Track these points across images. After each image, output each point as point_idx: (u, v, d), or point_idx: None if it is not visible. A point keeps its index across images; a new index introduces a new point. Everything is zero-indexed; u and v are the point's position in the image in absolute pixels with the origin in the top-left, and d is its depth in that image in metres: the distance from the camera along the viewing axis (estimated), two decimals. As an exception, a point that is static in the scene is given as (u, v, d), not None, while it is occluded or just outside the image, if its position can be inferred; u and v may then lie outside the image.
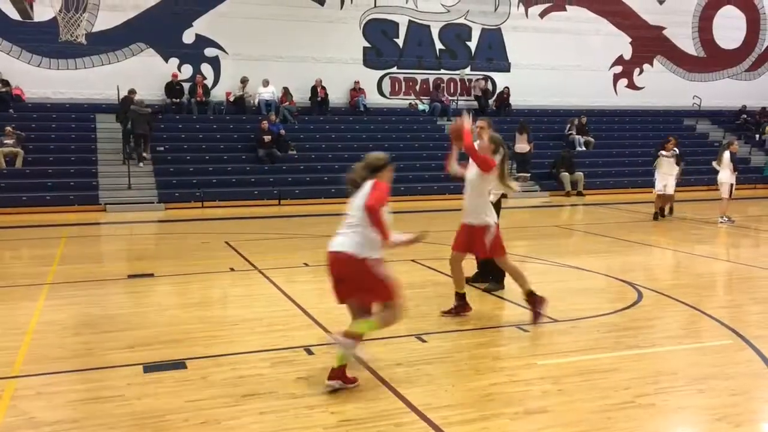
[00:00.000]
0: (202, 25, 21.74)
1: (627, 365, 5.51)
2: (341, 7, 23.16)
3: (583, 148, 23.24)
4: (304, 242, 12.36)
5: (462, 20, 24.64)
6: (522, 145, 20.76)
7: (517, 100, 24.44)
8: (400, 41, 23.99)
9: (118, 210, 16.46)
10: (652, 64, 27.24)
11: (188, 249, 11.42)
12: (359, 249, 4.96)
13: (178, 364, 5.49)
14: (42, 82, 20.29)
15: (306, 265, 9.78)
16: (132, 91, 19.56)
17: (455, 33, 24.59)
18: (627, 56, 26.90)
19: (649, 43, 26.97)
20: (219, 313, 7.25)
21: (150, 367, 5.43)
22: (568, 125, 23.76)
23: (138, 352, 5.81)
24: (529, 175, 20.82)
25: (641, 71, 27.13)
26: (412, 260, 9.90)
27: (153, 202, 17.17)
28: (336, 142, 20.92)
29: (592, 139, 23.57)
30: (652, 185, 15.25)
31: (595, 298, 7.89)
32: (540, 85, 24.83)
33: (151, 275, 9.04)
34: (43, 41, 20.18)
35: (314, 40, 22.55)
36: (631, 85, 27.01)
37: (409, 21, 24.00)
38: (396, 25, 23.87)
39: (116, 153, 18.61)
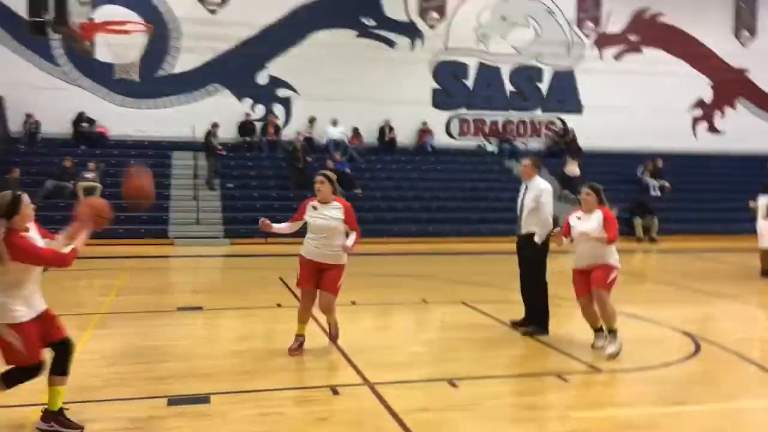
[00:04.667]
0: (275, 67, 22.37)
1: (669, 422, 5.15)
2: (411, 49, 23.41)
3: (657, 193, 22.45)
4: (356, 281, 12.27)
5: (533, 62, 24.47)
6: (572, 168, 21.31)
7: (588, 142, 23.89)
8: (469, 83, 23.99)
9: (185, 244, 16.91)
10: (734, 107, 26.26)
11: (242, 284, 11.56)
12: None
13: (203, 398, 5.47)
14: (124, 120, 21.23)
15: (353, 303, 9.70)
16: (215, 125, 20.34)
17: (526, 75, 24.42)
18: (707, 99, 26.05)
19: (731, 86, 26.05)
20: (256, 348, 7.21)
21: (174, 400, 5.44)
22: (641, 168, 23.04)
23: (168, 384, 5.85)
24: (573, 196, 20.44)
25: (723, 114, 26.19)
26: (462, 302, 9.69)
27: (219, 237, 17.55)
28: (401, 182, 20.96)
29: (667, 183, 22.76)
30: (736, 232, 14.13)
31: (648, 349, 7.47)
32: (612, 127, 24.22)
33: (200, 308, 9.17)
34: (126, 82, 21.18)
35: (384, 81, 22.81)
36: (712, 128, 26.07)
37: (480, 63, 24.00)
38: (466, 66, 23.92)
39: (188, 189, 19.16)
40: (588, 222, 7.08)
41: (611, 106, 24.39)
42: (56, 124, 20.55)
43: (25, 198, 4.62)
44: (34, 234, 4.69)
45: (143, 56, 21.42)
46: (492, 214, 19.65)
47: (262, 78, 22.37)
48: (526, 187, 8.02)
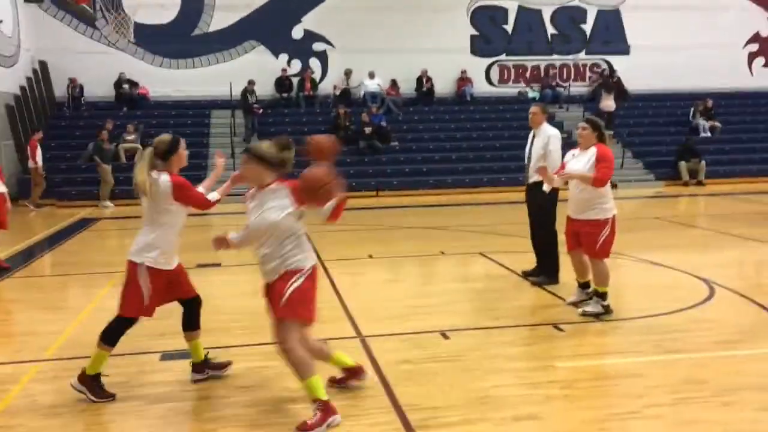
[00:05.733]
0: (310, 21, 22.25)
1: (655, 372, 5.04)
2: (448, -5, 22.89)
3: (708, 134, 21.59)
4: (379, 234, 12.35)
5: (576, 2, 23.59)
6: (608, 102, 20.91)
7: (637, 84, 23.04)
8: (509, 27, 23.36)
9: (221, 201, 17.14)
10: (794, 40, 24.85)
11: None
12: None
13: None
14: (164, 81, 21.56)
15: (370, 257, 9.75)
16: (251, 82, 20.42)
17: (569, 16, 23.59)
18: (765, 32, 24.68)
19: (791, 17, 24.60)
20: (259, 304, 7.32)
21: (167, 356, 5.62)
22: (692, 110, 22.13)
23: (166, 340, 6.01)
24: (611, 132, 20.01)
25: (782, 48, 24.83)
26: (480, 253, 9.62)
27: (255, 194, 17.75)
28: (439, 133, 20.73)
29: (718, 124, 21.84)
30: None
31: (657, 297, 7.28)
32: (663, 67, 23.25)
33: (219, 265, 9.35)
34: (164, 43, 21.41)
35: (421, 30, 22.40)
36: (770, 64, 24.79)
37: (519, 6, 23.29)
38: (505, 11, 23.27)
39: (226, 147, 19.38)
40: (579, 161, 6.39)
41: (661, 46, 23.38)
42: (99, 87, 21.05)
43: (182, 142, 4.86)
44: None
45: (178, 17, 21.57)
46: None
47: (297, 32, 22.30)
48: (534, 135, 7.83)
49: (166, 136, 4.81)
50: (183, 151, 4.84)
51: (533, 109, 7.87)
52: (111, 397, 4.75)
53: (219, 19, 21.82)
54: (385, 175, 18.89)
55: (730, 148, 20.94)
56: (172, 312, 5.34)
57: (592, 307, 6.41)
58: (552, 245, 7.79)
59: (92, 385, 4.73)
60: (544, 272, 7.81)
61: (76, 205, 16.67)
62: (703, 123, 21.75)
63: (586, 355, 5.51)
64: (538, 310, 6.87)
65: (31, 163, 16.54)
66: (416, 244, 10.84)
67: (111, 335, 4.82)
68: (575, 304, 6.70)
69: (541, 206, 7.71)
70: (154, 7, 21.25)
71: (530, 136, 7.93)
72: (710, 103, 22.08)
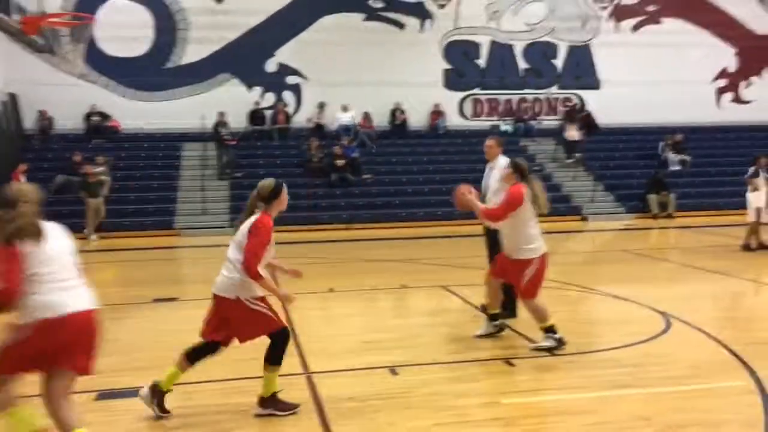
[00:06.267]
0: (284, 54, 22.31)
1: (603, 408, 4.94)
2: (421, 30, 23.10)
3: (678, 168, 21.81)
4: (343, 267, 12.23)
5: (547, 38, 23.93)
6: (571, 132, 21.68)
7: (608, 118, 23.30)
8: (482, 62, 23.59)
9: (190, 235, 17.03)
10: (761, 76, 25.30)
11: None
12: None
13: (132, 392, 5.42)
14: (136, 114, 21.41)
15: (331, 290, 9.61)
16: (222, 114, 20.34)
17: (540, 51, 23.90)
18: (732, 68, 25.14)
19: (758, 54, 25.07)
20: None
21: (103, 395, 5.43)
22: (662, 144, 22.37)
23: (104, 378, 5.72)
24: (573, 160, 21.44)
25: (749, 84, 25.26)
26: (443, 286, 9.53)
27: (225, 227, 17.60)
28: (412, 166, 20.76)
29: (687, 158, 22.08)
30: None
31: (615, 330, 7.22)
32: (633, 101, 23.49)
33: (175, 299, 9.18)
34: (136, 75, 21.35)
35: (394, 64, 22.52)
36: (737, 99, 25.18)
37: (491, 41, 23.56)
38: (477, 45, 23.51)
39: (196, 180, 19.25)
40: (498, 197, 6.58)
41: (630, 80, 23.64)
42: (69, 119, 20.87)
43: (284, 187, 4.99)
44: None
45: (151, 49, 21.58)
46: (502, 195, 19.31)
47: (271, 65, 22.35)
48: (491, 167, 7.81)
49: (270, 181, 4.97)
50: (285, 196, 5.00)
51: (488, 142, 7.89)
52: (296, 407, 4.95)
53: (192, 51, 21.82)
54: (356, 208, 18.82)
55: (699, 182, 21.15)
56: (103, 350, 5.17)
57: (544, 342, 6.32)
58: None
59: (275, 402, 4.91)
60: (502, 306, 7.71)
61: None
62: (672, 156, 21.98)
63: (533, 390, 5.41)
64: (491, 345, 6.75)
65: None
66: (380, 278, 10.73)
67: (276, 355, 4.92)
68: (482, 336, 6.76)
69: (498, 239, 7.63)
70: (127, 40, 21.20)
71: (487, 168, 7.91)
72: (679, 137, 22.33)
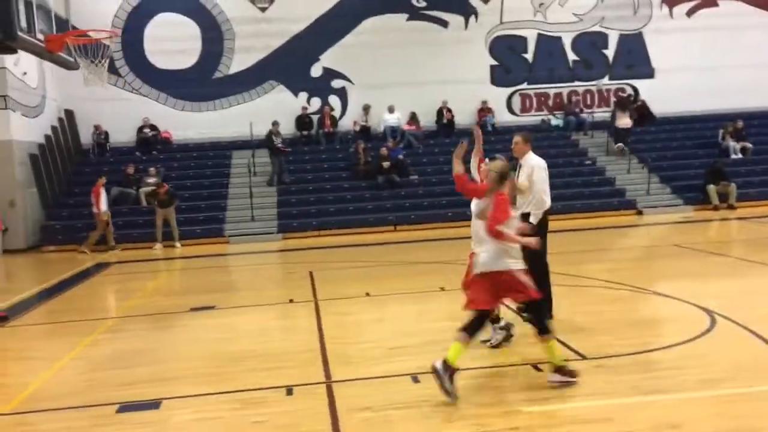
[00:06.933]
0: (328, 59, 22.38)
1: (627, 416, 4.69)
2: (466, 27, 22.82)
3: (739, 156, 20.89)
4: (382, 270, 12.11)
5: (597, 28, 23.29)
6: (623, 120, 21.08)
7: (663, 107, 22.53)
8: (529, 56, 23.13)
9: (239, 242, 17.21)
10: (827, 56, 24.01)
11: (267, 280, 11.59)
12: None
13: (153, 405, 5.46)
14: (186, 124, 21.86)
15: (368, 294, 9.51)
16: (275, 123, 20.47)
17: (590, 42, 23.28)
18: (796, 48, 23.94)
19: (823, 32, 23.80)
20: (238, 349, 7.11)
21: (125, 407, 5.46)
22: (721, 131, 21.47)
23: (130, 390, 5.86)
24: (622, 145, 20.92)
25: (814, 64, 24.00)
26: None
27: (273, 233, 17.75)
28: (459, 165, 20.44)
29: (749, 145, 21.12)
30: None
31: (653, 331, 6.89)
32: (689, 89, 22.66)
33: (212, 308, 9.23)
34: (186, 87, 21.75)
35: (439, 63, 22.31)
36: (802, 82, 23.94)
37: (538, 34, 23.09)
38: (524, 39, 23.07)
39: (245, 187, 19.43)
40: (479, 203, 5.99)
41: (686, 67, 22.86)
42: (123, 133, 21.43)
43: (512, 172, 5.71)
44: None
45: (199, 61, 21.95)
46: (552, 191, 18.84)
47: (316, 71, 22.44)
48: (520, 165, 7.58)
49: (505, 162, 5.61)
50: (512, 181, 5.79)
51: (516, 138, 7.65)
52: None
53: (238, 61, 22.12)
54: (404, 209, 18.69)
55: (761, 170, 20.19)
56: (133, 361, 5.22)
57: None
58: (544, 279, 7.43)
59: (566, 371, 5.30)
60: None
61: (100, 249, 16.81)
62: (733, 144, 21.06)
63: (557, 397, 5.17)
64: (521, 349, 6.52)
65: (94, 209, 16.97)
66: (420, 280, 10.59)
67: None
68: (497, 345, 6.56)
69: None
70: (176, 53, 21.64)
71: (517, 166, 7.67)
72: (740, 123, 21.40)
